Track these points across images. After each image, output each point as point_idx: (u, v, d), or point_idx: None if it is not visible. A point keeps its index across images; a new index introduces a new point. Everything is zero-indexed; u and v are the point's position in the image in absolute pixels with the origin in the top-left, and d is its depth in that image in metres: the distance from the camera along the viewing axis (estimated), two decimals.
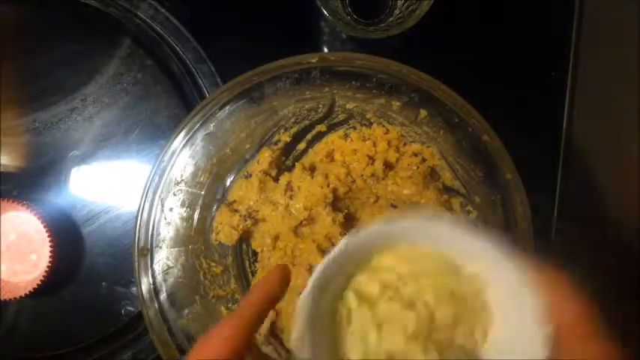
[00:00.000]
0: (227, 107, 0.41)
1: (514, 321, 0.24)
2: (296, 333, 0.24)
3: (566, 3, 0.50)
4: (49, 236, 0.45)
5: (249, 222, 0.41)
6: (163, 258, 0.40)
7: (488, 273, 0.26)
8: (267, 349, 0.37)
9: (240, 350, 0.24)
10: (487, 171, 0.39)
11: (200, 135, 0.41)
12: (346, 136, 0.43)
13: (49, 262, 0.45)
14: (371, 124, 0.43)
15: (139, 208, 0.40)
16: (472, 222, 0.26)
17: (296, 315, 0.24)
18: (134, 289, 0.47)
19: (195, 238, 0.41)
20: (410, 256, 0.26)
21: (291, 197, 0.41)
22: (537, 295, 0.23)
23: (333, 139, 0.43)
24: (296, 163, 0.43)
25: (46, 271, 0.45)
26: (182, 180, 0.41)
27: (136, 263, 0.39)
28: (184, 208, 0.41)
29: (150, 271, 0.39)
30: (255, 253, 0.43)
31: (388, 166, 0.42)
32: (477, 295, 0.26)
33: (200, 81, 0.49)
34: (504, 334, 0.25)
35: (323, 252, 0.40)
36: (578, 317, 0.23)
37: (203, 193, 0.42)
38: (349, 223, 0.41)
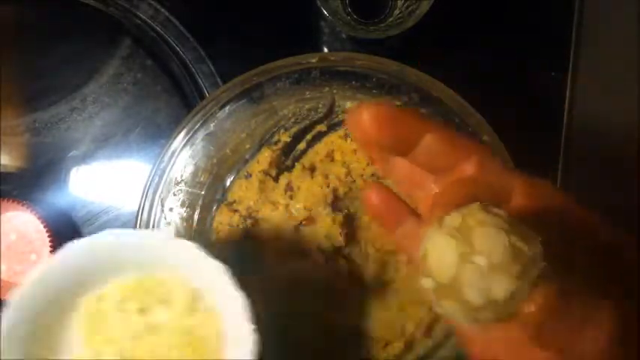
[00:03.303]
0: (227, 107, 0.41)
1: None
2: None
3: (566, 3, 0.49)
4: (49, 236, 0.45)
5: (249, 222, 0.41)
6: None
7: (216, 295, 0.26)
8: None
9: None
10: None
11: (200, 135, 0.41)
12: (346, 136, 0.43)
13: None
14: None
15: (139, 208, 0.40)
16: None
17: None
18: None
19: (195, 238, 0.41)
20: (143, 288, 0.25)
21: (291, 197, 0.41)
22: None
23: (333, 139, 0.43)
24: (296, 163, 0.43)
25: None
26: (182, 180, 0.41)
27: None
28: (184, 208, 0.41)
29: None
30: None
31: None
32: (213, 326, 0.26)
33: (200, 81, 0.49)
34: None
35: (323, 252, 0.40)
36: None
37: (203, 193, 0.42)
38: (349, 223, 0.41)
